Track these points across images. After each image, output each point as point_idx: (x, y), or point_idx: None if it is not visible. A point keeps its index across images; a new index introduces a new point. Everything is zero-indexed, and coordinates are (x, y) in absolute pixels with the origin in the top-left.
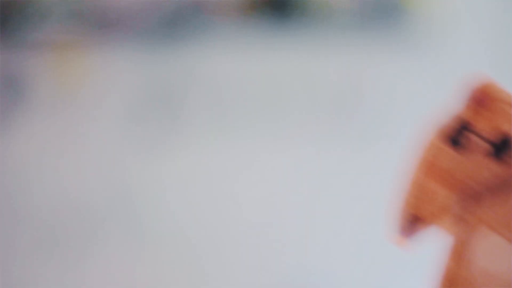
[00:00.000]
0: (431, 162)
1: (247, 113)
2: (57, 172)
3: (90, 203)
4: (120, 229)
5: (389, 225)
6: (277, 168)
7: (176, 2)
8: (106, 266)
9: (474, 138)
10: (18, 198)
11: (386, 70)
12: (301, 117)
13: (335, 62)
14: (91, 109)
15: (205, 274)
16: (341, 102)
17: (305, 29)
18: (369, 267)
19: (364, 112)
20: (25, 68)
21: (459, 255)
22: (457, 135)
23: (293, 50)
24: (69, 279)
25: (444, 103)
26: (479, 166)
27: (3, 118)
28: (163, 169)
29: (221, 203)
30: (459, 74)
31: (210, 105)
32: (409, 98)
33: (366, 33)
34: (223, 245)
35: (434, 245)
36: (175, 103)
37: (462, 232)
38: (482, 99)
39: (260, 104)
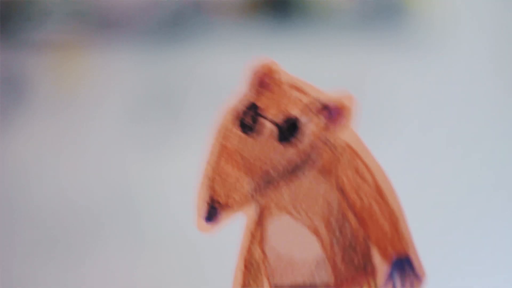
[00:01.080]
0: (225, 147)
1: None
2: (57, 172)
3: (90, 203)
4: (120, 229)
5: (195, 211)
6: None
7: (176, 2)
8: (106, 266)
9: (262, 121)
10: (18, 198)
11: (388, 70)
12: None
13: (336, 62)
14: (91, 109)
15: (205, 274)
16: None
17: (306, 29)
18: None
19: (365, 112)
20: (25, 68)
21: (252, 235)
22: (247, 119)
23: (294, 50)
24: (69, 279)
25: (234, 89)
26: (269, 149)
27: (3, 118)
28: (163, 169)
29: None
30: (460, 74)
31: (210, 105)
32: (410, 98)
33: (367, 33)
34: (223, 246)
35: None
36: (175, 103)
37: (255, 214)
38: (266, 82)
39: None
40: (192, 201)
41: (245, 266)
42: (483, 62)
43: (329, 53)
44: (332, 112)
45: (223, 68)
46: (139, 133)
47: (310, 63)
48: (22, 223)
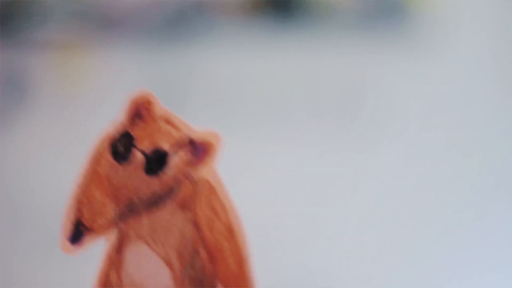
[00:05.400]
0: (97, 172)
1: (249, 113)
2: (57, 172)
3: None
4: None
5: (62, 232)
6: (278, 168)
7: (179, 2)
8: None
9: (135, 151)
10: (19, 198)
11: (389, 70)
12: (303, 118)
13: (338, 62)
14: (93, 109)
15: None
16: (344, 102)
17: (308, 29)
18: (371, 267)
19: (366, 113)
20: (25, 68)
21: (111, 261)
22: (120, 147)
23: (296, 50)
24: (69, 279)
25: (114, 118)
26: (136, 179)
27: (3, 118)
28: None
29: None
30: (461, 74)
31: (212, 105)
32: (411, 97)
33: (369, 33)
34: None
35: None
36: (177, 102)
37: (116, 239)
38: (142, 112)
39: (262, 104)
40: None
41: None
42: (484, 62)
43: (330, 52)
44: (197, 148)
45: (224, 68)
46: None
47: (311, 63)
48: (23, 223)
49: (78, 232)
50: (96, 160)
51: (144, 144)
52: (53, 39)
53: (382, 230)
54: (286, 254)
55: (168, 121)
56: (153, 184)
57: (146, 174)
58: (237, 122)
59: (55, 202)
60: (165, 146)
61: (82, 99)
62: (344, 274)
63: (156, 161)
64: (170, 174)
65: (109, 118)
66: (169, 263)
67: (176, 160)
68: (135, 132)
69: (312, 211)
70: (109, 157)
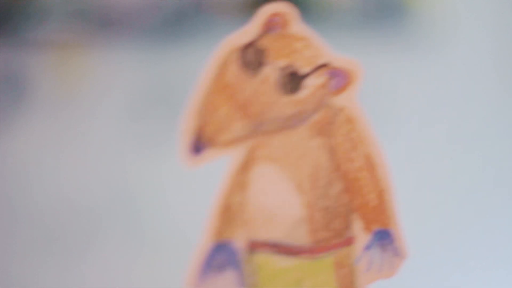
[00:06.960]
0: (224, 82)
1: None
2: (57, 172)
3: (90, 202)
4: (119, 228)
5: (181, 145)
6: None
7: (177, 2)
8: (105, 265)
9: (265, 63)
10: (18, 197)
11: (388, 69)
12: None
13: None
14: (92, 109)
15: None
16: None
17: (306, 28)
18: None
19: (365, 112)
20: (25, 67)
21: (235, 181)
22: (250, 57)
23: None
24: (69, 279)
25: (243, 29)
26: (267, 94)
27: (3, 118)
28: (163, 169)
29: None
30: (460, 73)
31: None
32: (410, 96)
33: (368, 32)
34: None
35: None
36: (176, 102)
37: (242, 158)
38: (276, 25)
39: None
40: (191, 200)
41: (222, 213)
42: (483, 61)
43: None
44: (337, 73)
45: None
46: (139, 132)
47: None
48: (21, 222)
49: (198, 144)
50: (222, 69)
51: (276, 58)
52: (53, 39)
53: None
54: None
55: (306, 42)
56: (286, 104)
57: (278, 90)
58: None
59: (54, 201)
60: (300, 63)
61: (81, 98)
62: None
63: (291, 80)
64: (305, 96)
65: (108, 118)
66: (301, 189)
67: (312, 81)
68: (266, 44)
69: None
70: (237, 67)
